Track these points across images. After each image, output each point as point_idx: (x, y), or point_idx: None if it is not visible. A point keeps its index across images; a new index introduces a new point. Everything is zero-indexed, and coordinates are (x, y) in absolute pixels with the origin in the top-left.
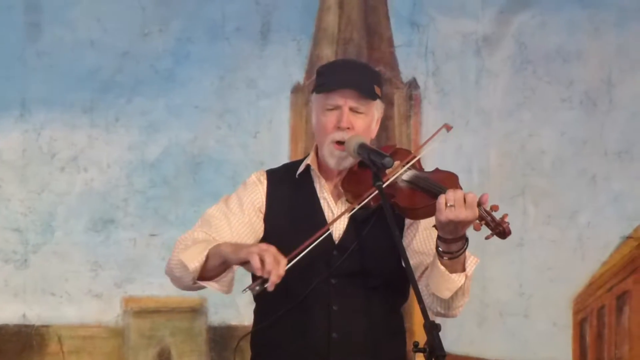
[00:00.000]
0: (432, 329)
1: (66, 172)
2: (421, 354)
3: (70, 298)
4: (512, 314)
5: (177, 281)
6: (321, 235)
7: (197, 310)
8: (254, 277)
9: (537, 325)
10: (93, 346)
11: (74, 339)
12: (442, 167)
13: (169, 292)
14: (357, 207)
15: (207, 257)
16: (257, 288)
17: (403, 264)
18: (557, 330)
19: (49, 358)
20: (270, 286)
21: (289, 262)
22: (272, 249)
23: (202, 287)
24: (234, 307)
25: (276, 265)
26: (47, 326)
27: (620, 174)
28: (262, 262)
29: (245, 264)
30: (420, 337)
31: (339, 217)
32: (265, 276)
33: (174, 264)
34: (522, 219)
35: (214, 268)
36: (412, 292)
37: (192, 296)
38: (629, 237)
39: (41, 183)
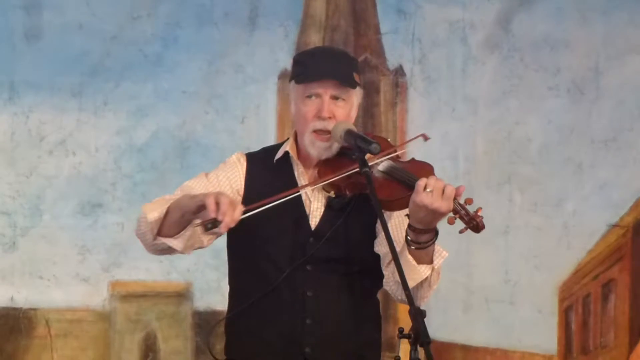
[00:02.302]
0: (418, 315)
1: (54, 155)
2: (406, 340)
3: (57, 281)
4: (498, 300)
5: (143, 240)
6: (287, 196)
7: (182, 295)
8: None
9: (523, 313)
10: (80, 330)
11: (61, 322)
12: (428, 155)
13: (155, 276)
14: (331, 180)
15: (168, 211)
16: (209, 225)
17: (376, 250)
18: (542, 318)
19: (36, 341)
20: (222, 228)
21: (245, 212)
22: (229, 196)
23: (164, 248)
24: (220, 292)
25: (231, 209)
26: (34, 309)
27: (607, 162)
28: (218, 204)
29: (201, 209)
30: (405, 323)
31: (311, 185)
32: (220, 218)
33: (140, 218)
34: (508, 206)
35: (174, 223)
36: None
37: (178, 281)
38: (614, 225)
39: (29, 166)
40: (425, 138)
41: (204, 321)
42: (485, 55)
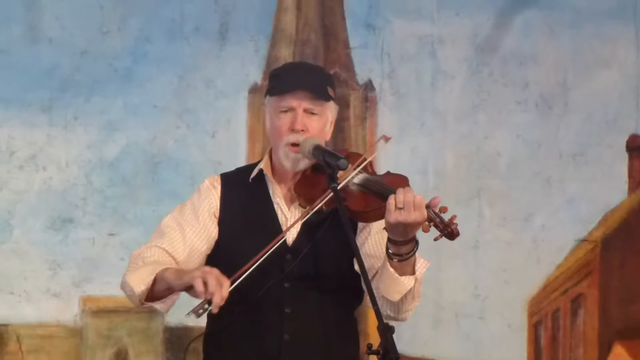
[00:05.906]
0: (386, 331)
1: (25, 170)
2: (375, 356)
3: (28, 297)
4: (467, 315)
5: (128, 297)
6: (265, 253)
7: (154, 311)
8: None
9: (492, 328)
10: (51, 345)
11: (32, 338)
12: (397, 169)
13: None
14: (311, 212)
15: (154, 281)
16: (200, 311)
17: (356, 267)
18: (511, 333)
19: (7, 357)
20: (214, 308)
21: (232, 283)
22: (215, 271)
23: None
24: (191, 308)
25: (219, 287)
26: (5, 325)
27: (575, 177)
28: (205, 284)
29: (189, 289)
30: (374, 339)
31: (288, 229)
32: (209, 298)
33: (124, 284)
34: (478, 221)
35: (160, 292)
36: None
37: None
38: (583, 240)
39: (0, 181)
40: (386, 139)
41: (175, 337)
42: (454, 70)
